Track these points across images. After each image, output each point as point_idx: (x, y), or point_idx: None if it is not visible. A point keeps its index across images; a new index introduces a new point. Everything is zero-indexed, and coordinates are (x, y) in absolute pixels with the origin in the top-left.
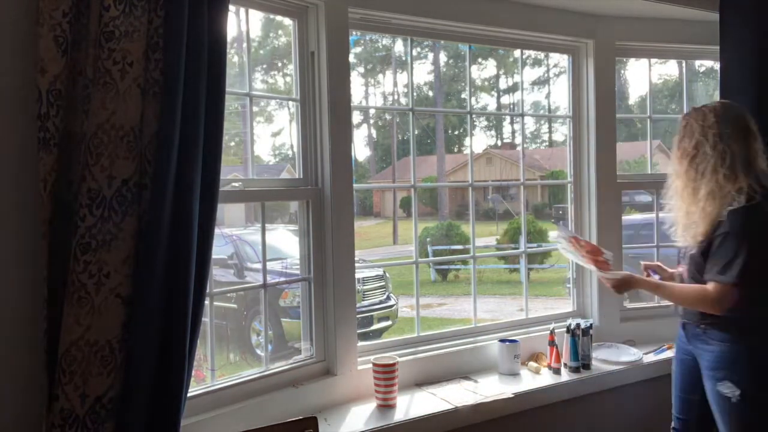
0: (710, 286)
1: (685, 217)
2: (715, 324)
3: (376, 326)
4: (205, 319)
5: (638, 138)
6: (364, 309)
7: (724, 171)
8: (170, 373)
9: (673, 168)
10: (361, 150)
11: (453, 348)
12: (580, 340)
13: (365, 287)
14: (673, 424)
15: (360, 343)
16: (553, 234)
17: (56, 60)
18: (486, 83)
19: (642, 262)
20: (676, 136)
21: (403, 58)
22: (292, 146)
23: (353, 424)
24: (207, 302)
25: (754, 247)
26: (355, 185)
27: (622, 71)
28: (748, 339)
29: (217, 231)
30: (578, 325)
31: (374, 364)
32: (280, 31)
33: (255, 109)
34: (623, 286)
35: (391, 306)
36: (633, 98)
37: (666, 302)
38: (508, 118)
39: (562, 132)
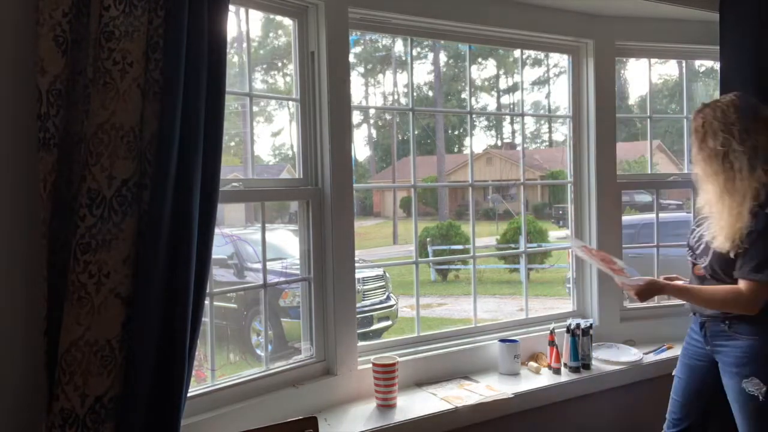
0: (743, 285)
1: (733, 219)
2: (742, 318)
3: (376, 326)
4: (205, 319)
5: (638, 138)
6: (364, 309)
7: (761, 166)
8: (170, 373)
9: (701, 171)
10: (361, 150)
11: (453, 348)
12: (580, 340)
13: (365, 287)
14: (665, 427)
15: (360, 343)
16: (567, 242)
17: (56, 60)
18: (486, 83)
19: (662, 277)
20: (693, 137)
21: (403, 58)
22: (292, 146)
23: (353, 424)
24: (207, 302)
25: None
26: (355, 185)
27: (622, 71)
28: None
29: (217, 231)
30: (578, 325)
31: (374, 364)
32: (280, 31)
33: (255, 109)
34: (648, 292)
35: (391, 306)
36: (633, 98)
37: (665, 302)
38: (508, 118)
39: (562, 132)
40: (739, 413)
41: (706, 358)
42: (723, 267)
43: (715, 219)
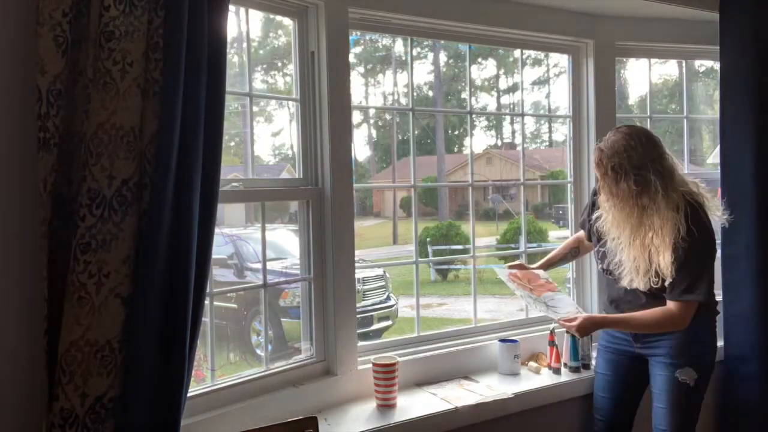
0: (674, 305)
1: (648, 257)
2: None
3: (376, 326)
4: (205, 319)
5: None
6: (364, 309)
7: (668, 193)
8: (170, 373)
9: (615, 216)
10: (361, 150)
11: (453, 348)
12: (580, 340)
13: (365, 287)
14: (596, 428)
15: (360, 343)
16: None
17: (56, 60)
18: (486, 83)
19: (507, 266)
20: (602, 183)
21: (403, 58)
22: (292, 146)
23: (353, 424)
24: (207, 302)
25: (709, 258)
26: (355, 185)
27: (622, 71)
28: (707, 322)
29: (217, 231)
30: None
31: (374, 364)
32: (280, 31)
33: (255, 109)
34: (586, 329)
35: (391, 306)
36: (633, 98)
37: None
38: (508, 118)
39: (562, 132)
40: (668, 402)
41: (631, 353)
42: (653, 290)
43: (630, 263)
